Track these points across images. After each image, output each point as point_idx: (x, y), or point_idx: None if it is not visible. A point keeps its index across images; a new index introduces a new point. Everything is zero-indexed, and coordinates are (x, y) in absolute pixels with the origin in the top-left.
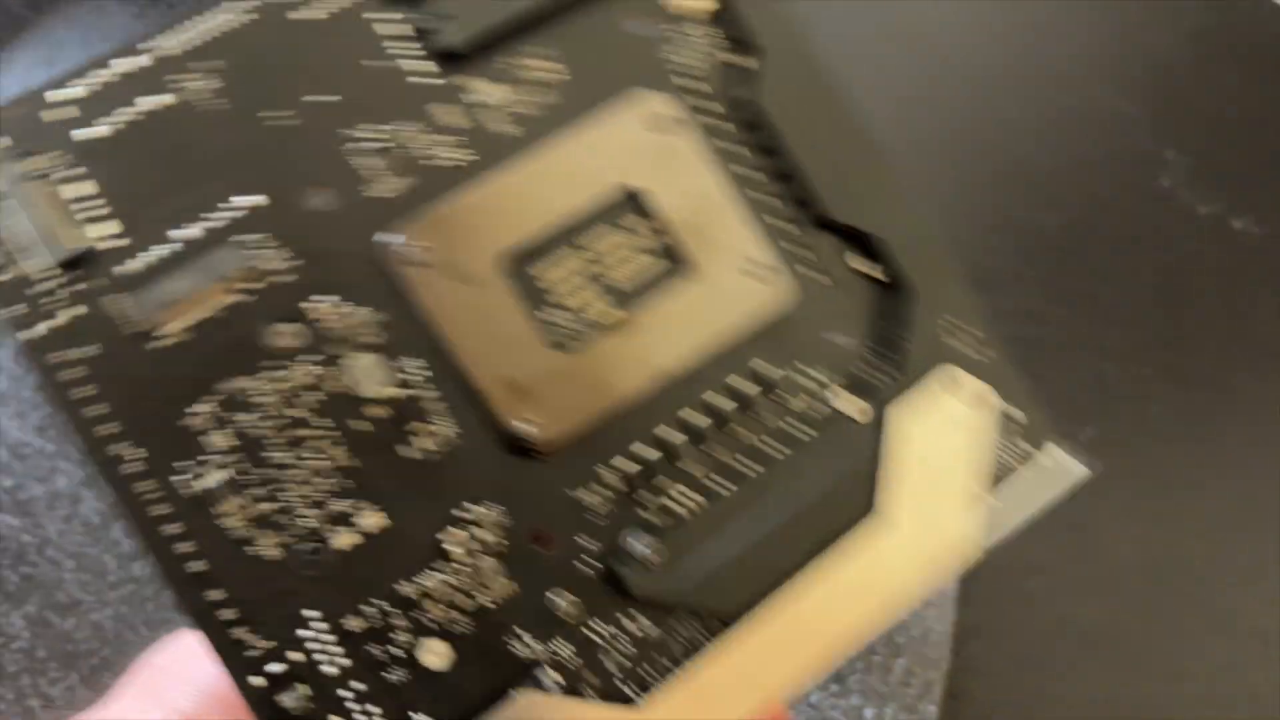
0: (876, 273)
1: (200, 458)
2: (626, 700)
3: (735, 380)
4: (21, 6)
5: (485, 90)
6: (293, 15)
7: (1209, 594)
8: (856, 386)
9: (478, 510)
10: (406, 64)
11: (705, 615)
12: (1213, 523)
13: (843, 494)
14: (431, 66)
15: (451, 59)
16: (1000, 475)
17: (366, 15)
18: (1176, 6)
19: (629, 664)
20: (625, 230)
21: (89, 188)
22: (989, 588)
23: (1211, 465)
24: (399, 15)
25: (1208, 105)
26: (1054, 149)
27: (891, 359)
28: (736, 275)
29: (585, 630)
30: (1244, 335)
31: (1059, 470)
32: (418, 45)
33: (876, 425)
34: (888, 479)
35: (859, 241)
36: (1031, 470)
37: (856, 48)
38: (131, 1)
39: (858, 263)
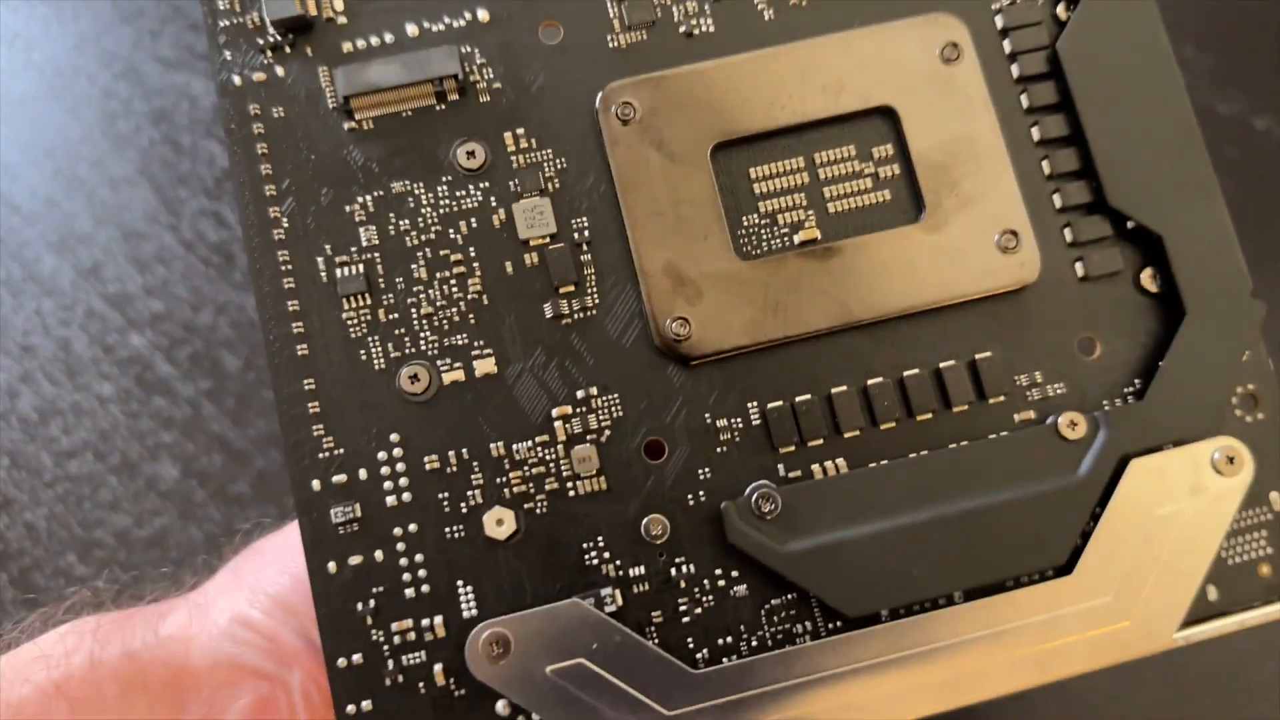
0: (1148, 280)
1: (346, 248)
2: (690, 660)
3: (935, 353)
4: None
5: None
6: None
7: None
8: (1083, 403)
9: (594, 394)
10: None
11: (818, 605)
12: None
13: (1036, 533)
14: None
15: None
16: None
17: None
18: None
19: (706, 623)
20: (865, 154)
21: None
22: None
23: None
24: None
25: (1232, 3)
26: None
27: (1137, 389)
28: (979, 237)
29: (670, 565)
30: (1268, 241)
31: None
32: None
33: (1103, 471)
34: (1100, 540)
35: (1134, 238)
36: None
37: None
38: None
39: (1127, 261)
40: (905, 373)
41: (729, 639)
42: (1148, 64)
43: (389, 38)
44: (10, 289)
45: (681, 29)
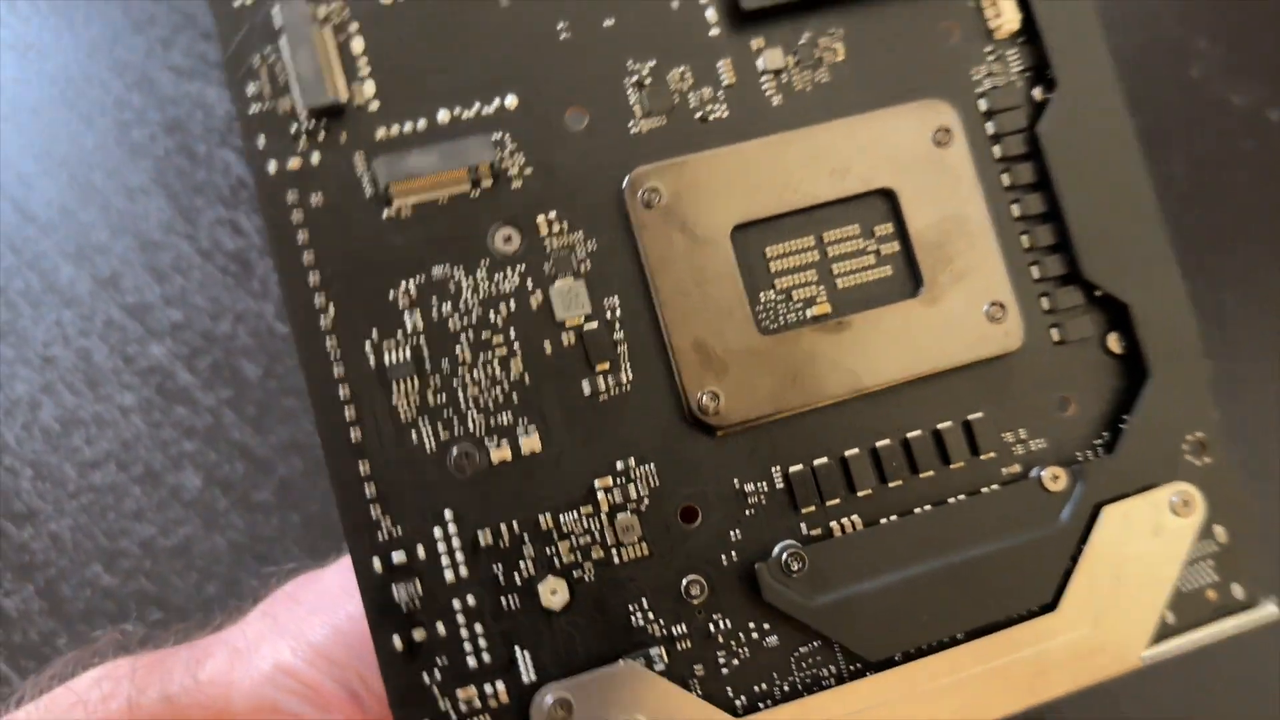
0: (1114, 343)
1: (393, 333)
2: (730, 709)
3: (934, 415)
4: None
5: (765, 55)
6: None
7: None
8: (1060, 457)
9: (633, 465)
10: (690, 8)
11: (840, 651)
12: (1245, 428)
13: (1025, 576)
14: (714, 17)
15: (738, 15)
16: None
17: None
18: None
19: (743, 672)
20: (868, 232)
21: (358, 45)
22: None
23: (1247, 364)
24: None
25: None
26: None
27: (1105, 440)
28: (970, 309)
29: (708, 621)
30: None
31: (1257, 615)
32: None
33: (1081, 519)
34: (1079, 579)
35: (1102, 305)
36: (1240, 619)
37: None
38: None
39: (1095, 326)
40: (909, 434)
41: (764, 685)
42: (1115, 145)
43: (421, 124)
44: (29, 300)
45: (697, 115)
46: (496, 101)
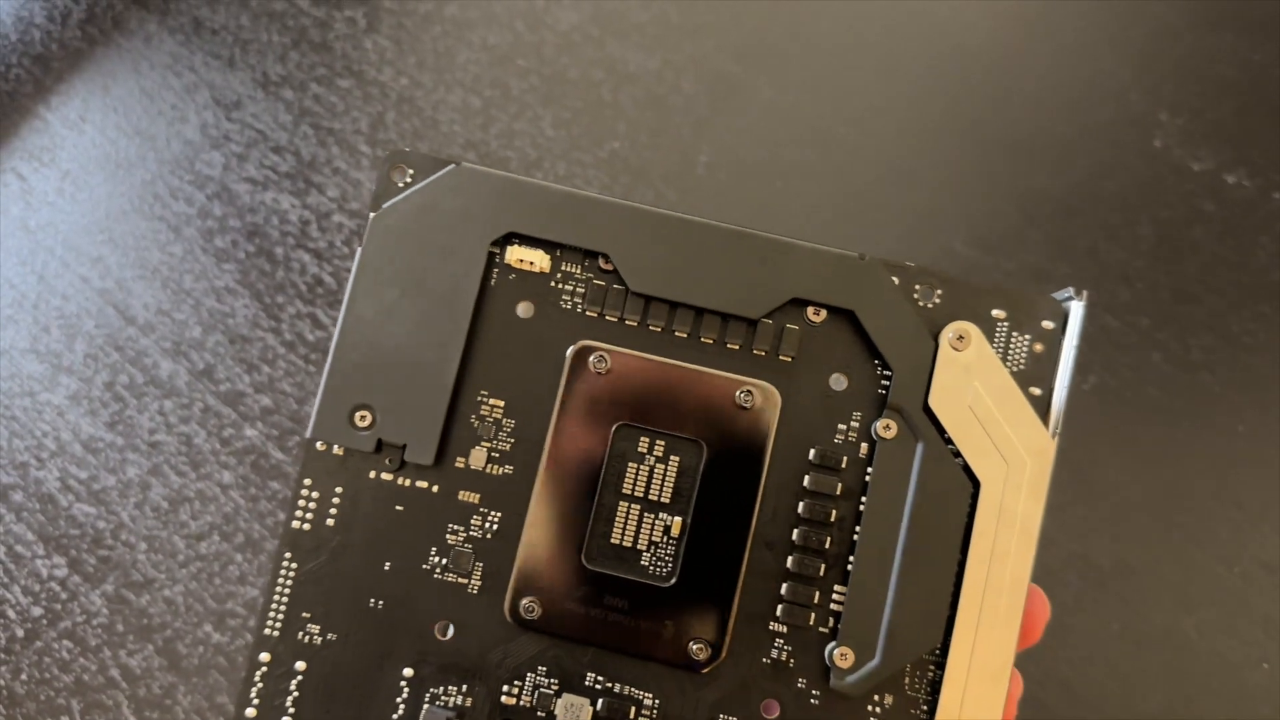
0: (819, 316)
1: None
2: None
3: (799, 485)
4: (78, 40)
5: None
6: None
7: (1214, 527)
8: (883, 407)
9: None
10: None
11: (915, 674)
12: (1215, 461)
13: (944, 500)
14: None
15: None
16: (1029, 368)
17: None
18: None
19: None
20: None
21: None
22: None
23: (1211, 407)
24: None
25: (1199, 68)
26: (1055, 119)
27: (885, 361)
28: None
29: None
30: (1239, 284)
31: (1063, 319)
32: None
33: (927, 417)
34: (968, 450)
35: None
36: (1044, 343)
37: (876, 34)
38: (178, 30)
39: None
40: (800, 513)
41: None
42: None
43: None
44: (133, 393)
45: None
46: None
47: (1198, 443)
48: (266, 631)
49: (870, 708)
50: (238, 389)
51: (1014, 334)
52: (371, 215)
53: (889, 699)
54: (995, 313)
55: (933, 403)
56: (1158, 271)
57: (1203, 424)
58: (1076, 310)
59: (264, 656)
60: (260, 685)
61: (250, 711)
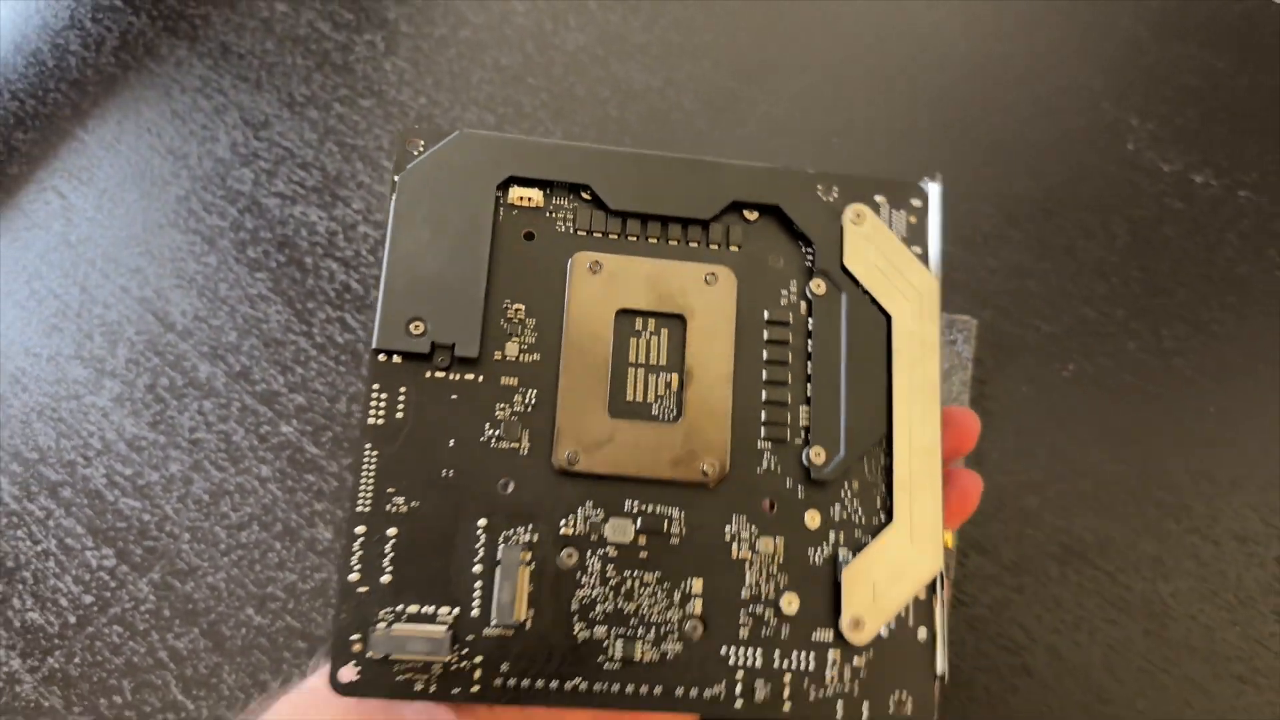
0: (753, 216)
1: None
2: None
3: (761, 339)
4: (112, 66)
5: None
6: None
7: (1189, 503)
8: (813, 273)
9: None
10: None
11: (870, 459)
12: (1188, 441)
13: (868, 332)
14: None
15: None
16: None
17: None
18: None
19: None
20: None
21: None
22: (988, 506)
23: (1184, 391)
24: None
25: (1167, 76)
26: (1033, 127)
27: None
28: (700, 284)
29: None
30: (1208, 275)
31: (927, 197)
32: None
33: (846, 275)
34: (879, 294)
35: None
36: (917, 215)
37: (864, 49)
38: (207, 55)
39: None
40: (771, 337)
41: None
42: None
43: None
44: (174, 394)
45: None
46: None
47: (1172, 424)
48: (359, 509)
49: (842, 492)
50: (273, 389)
51: (894, 211)
52: (397, 178)
53: (855, 483)
54: (878, 198)
55: (848, 263)
56: (1131, 266)
57: (1176, 406)
58: (935, 190)
59: (359, 529)
60: (359, 553)
61: (353, 576)
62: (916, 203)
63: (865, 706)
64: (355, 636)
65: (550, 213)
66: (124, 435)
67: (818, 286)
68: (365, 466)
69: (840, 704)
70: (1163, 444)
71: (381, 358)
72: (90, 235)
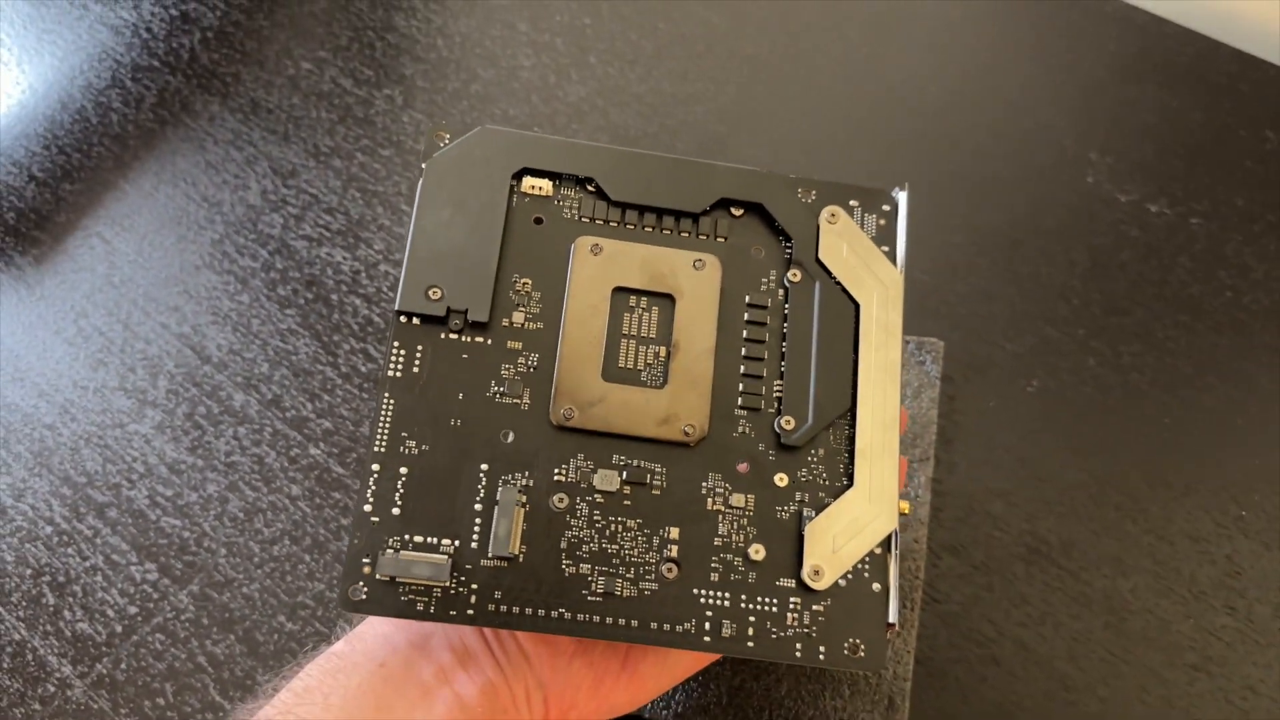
0: (739, 212)
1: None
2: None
3: (741, 321)
4: (151, 121)
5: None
6: None
7: (1145, 506)
8: (791, 264)
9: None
10: None
11: (836, 430)
12: (1145, 449)
13: (838, 317)
14: None
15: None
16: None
17: None
18: (1102, 34)
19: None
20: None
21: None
22: (957, 511)
23: (1140, 403)
24: None
25: (1125, 114)
26: (1000, 163)
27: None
28: (692, 269)
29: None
30: (1162, 296)
31: (896, 204)
32: None
33: (820, 266)
34: (849, 284)
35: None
36: (886, 219)
37: (842, 96)
38: (238, 110)
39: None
40: (750, 318)
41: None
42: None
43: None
44: (210, 421)
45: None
46: None
47: (1129, 434)
48: (376, 449)
49: (809, 457)
50: (302, 415)
51: (866, 215)
52: (424, 164)
53: (820, 450)
54: (851, 202)
55: (822, 256)
56: (1091, 289)
57: (1133, 418)
58: (902, 197)
59: (375, 467)
60: (374, 488)
61: (367, 507)
62: (886, 208)
63: (822, 649)
64: (365, 560)
65: (558, 201)
66: (165, 460)
67: (794, 275)
68: (383, 413)
69: (799, 645)
70: (1121, 452)
71: (403, 319)
72: (132, 277)
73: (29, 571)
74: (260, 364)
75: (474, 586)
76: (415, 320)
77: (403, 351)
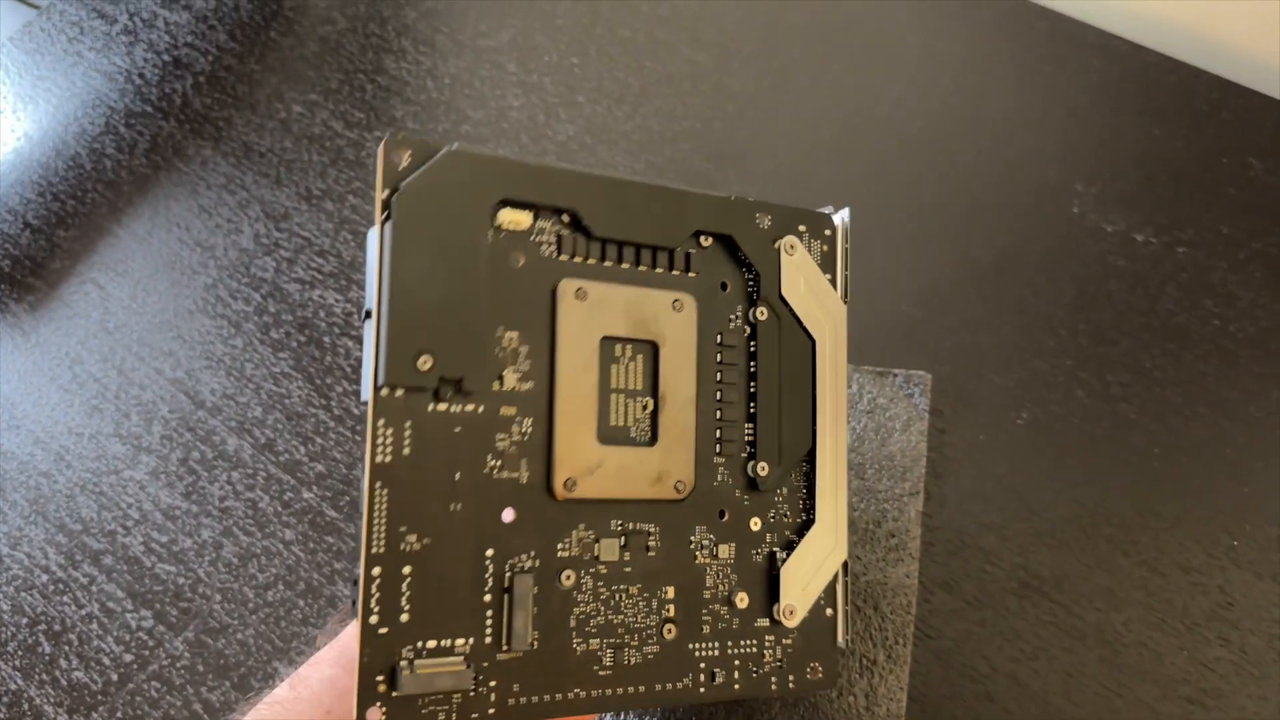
0: (708, 241)
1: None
2: None
3: (716, 362)
4: (144, 167)
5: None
6: None
7: (1137, 537)
8: (754, 300)
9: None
10: None
11: (796, 468)
12: (1135, 480)
13: (798, 355)
14: None
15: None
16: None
17: None
18: (1084, 63)
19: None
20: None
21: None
22: (949, 546)
23: (1129, 433)
24: None
25: (1110, 142)
26: (986, 193)
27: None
28: (671, 310)
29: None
30: (1149, 325)
31: (835, 227)
32: None
33: (783, 303)
34: (806, 320)
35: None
36: (828, 244)
37: (827, 130)
38: (230, 154)
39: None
40: (723, 374)
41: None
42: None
43: None
44: (204, 466)
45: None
46: None
47: (1119, 465)
48: (373, 550)
49: (775, 498)
50: (295, 459)
51: (811, 240)
52: (390, 195)
53: (784, 490)
54: (800, 228)
55: (785, 293)
56: (1078, 319)
57: (1123, 449)
58: (841, 217)
59: (376, 571)
60: (377, 595)
61: (373, 619)
62: (828, 233)
63: (791, 678)
64: (380, 678)
65: (534, 236)
66: (160, 506)
67: (761, 314)
68: (376, 506)
69: (774, 679)
70: (1112, 483)
71: (384, 392)
72: (126, 322)
73: (25, 620)
74: (254, 408)
75: (492, 684)
76: (399, 393)
77: (389, 430)
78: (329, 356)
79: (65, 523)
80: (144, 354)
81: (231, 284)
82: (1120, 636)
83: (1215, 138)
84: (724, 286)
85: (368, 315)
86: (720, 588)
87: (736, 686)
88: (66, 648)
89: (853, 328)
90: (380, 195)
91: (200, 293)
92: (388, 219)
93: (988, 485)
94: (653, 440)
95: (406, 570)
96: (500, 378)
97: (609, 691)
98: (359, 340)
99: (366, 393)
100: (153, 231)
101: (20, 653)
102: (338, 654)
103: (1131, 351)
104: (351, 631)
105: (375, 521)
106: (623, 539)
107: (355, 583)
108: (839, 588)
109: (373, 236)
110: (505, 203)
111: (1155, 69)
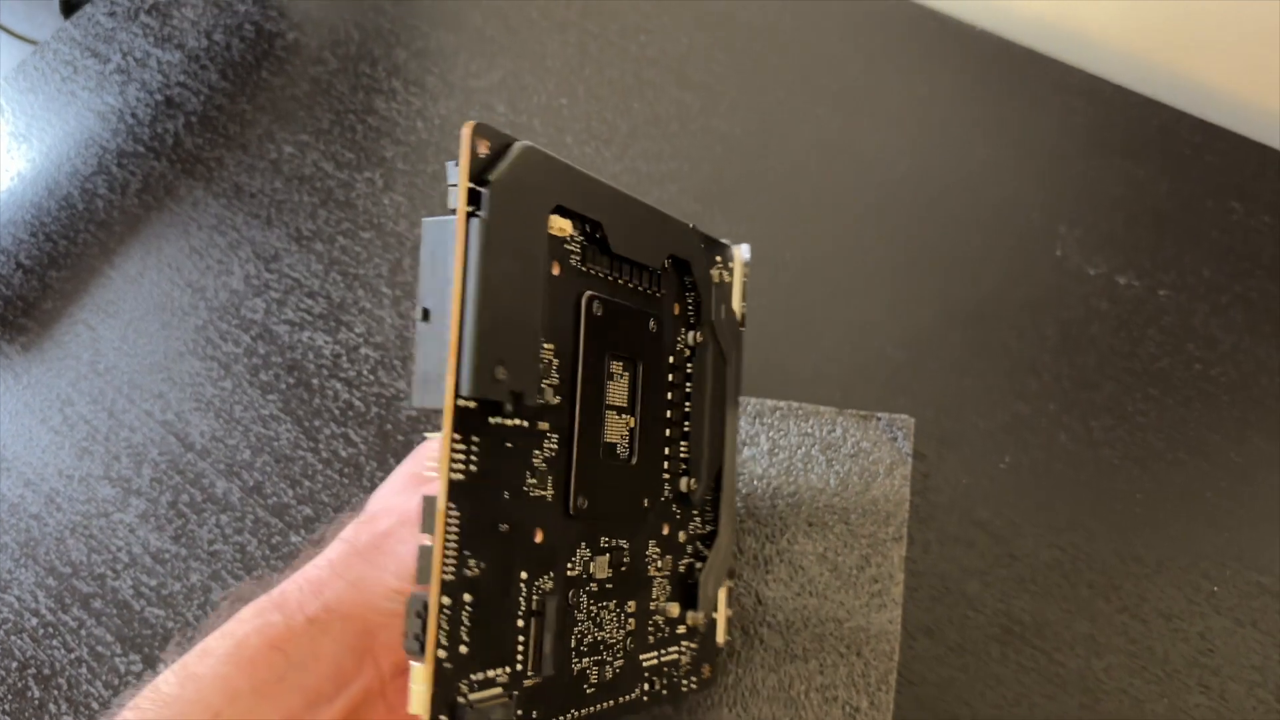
0: (668, 263)
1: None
2: None
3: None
4: (136, 207)
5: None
6: None
7: (1118, 583)
8: (696, 323)
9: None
10: None
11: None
12: (1117, 525)
13: (719, 376)
14: None
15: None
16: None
17: None
18: (1067, 105)
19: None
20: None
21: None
22: (932, 591)
23: (1112, 478)
24: None
25: (1091, 186)
26: (970, 237)
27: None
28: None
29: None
30: (1132, 369)
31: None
32: None
33: (710, 328)
34: (723, 342)
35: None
36: (731, 273)
37: (813, 172)
38: (221, 194)
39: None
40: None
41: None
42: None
43: None
44: (193, 509)
45: None
46: None
47: (1101, 510)
48: (447, 578)
49: (695, 511)
50: (283, 502)
51: (723, 269)
52: (487, 187)
53: (703, 504)
54: (717, 258)
55: (713, 317)
56: (1061, 363)
57: (1105, 493)
58: (742, 251)
59: (445, 600)
60: (446, 629)
61: (441, 653)
62: (732, 263)
63: (693, 680)
64: (444, 717)
65: (566, 245)
66: (149, 549)
67: (696, 338)
68: (451, 529)
69: (684, 682)
70: (1093, 529)
71: (462, 403)
72: (116, 364)
73: (14, 664)
74: (242, 450)
75: (519, 714)
76: (471, 404)
77: (460, 445)
78: (317, 399)
79: (55, 565)
80: (134, 396)
81: (222, 325)
82: (1101, 684)
83: (1198, 181)
84: (674, 309)
85: (425, 316)
86: (660, 598)
87: (664, 693)
88: (56, 692)
89: (836, 371)
90: (464, 185)
91: (190, 334)
92: (472, 213)
93: (970, 530)
94: (632, 457)
95: (468, 598)
96: (542, 392)
97: (595, 708)
98: (347, 382)
99: (424, 400)
100: (144, 272)
101: (10, 697)
102: (233, 646)
103: (1114, 395)
104: (288, 575)
105: (449, 547)
106: (609, 555)
107: (417, 615)
108: (722, 594)
109: (440, 229)
110: (558, 209)
111: (1138, 111)
